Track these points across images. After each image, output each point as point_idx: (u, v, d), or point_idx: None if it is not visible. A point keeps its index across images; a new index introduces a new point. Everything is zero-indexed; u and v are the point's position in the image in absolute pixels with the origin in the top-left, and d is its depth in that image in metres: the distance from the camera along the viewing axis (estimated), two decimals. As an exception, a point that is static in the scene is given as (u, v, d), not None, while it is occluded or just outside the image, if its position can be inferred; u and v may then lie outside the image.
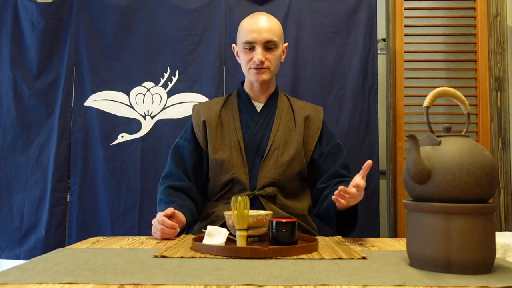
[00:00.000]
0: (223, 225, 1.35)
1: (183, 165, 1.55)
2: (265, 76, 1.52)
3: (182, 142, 1.59)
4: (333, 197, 1.22)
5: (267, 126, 1.55)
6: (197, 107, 1.63)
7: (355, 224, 1.39)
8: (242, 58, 1.56)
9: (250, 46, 1.51)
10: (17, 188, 2.04)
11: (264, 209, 1.44)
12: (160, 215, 1.28)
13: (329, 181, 1.53)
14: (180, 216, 1.36)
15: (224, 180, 1.50)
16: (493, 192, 0.87)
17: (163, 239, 1.27)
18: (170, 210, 1.29)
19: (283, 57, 1.61)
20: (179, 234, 1.36)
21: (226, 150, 1.51)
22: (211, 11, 2.07)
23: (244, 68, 1.57)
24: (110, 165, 2.02)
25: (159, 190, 1.53)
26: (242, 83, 1.64)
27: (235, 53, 1.64)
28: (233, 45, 1.65)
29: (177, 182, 1.51)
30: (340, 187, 1.21)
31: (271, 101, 1.59)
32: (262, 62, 1.49)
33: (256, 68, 1.51)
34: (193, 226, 1.55)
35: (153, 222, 1.31)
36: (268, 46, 1.51)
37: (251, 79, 1.56)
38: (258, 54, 1.49)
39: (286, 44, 1.63)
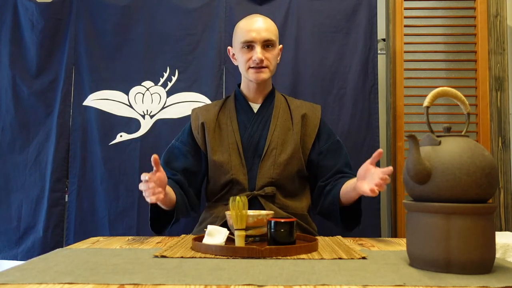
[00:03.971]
0: (223, 225, 1.35)
1: (174, 165, 1.55)
2: (265, 75, 1.54)
3: (177, 144, 1.59)
4: (374, 188, 1.11)
5: (264, 127, 1.56)
6: (195, 110, 1.65)
7: (360, 217, 1.41)
8: (240, 58, 1.56)
9: (249, 45, 1.52)
10: (15, 188, 2.04)
11: (263, 209, 1.44)
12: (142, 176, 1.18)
13: (330, 177, 1.53)
14: (170, 190, 1.34)
15: (223, 181, 1.51)
16: (493, 192, 0.87)
17: (157, 199, 1.18)
18: (152, 172, 1.19)
19: (278, 58, 1.62)
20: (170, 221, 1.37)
21: (225, 152, 1.52)
22: (211, 11, 2.07)
23: (242, 69, 1.57)
24: (109, 165, 2.01)
25: None
26: (239, 85, 1.65)
27: (230, 56, 1.65)
28: (229, 47, 1.65)
29: (170, 176, 1.48)
30: (380, 176, 1.11)
31: (268, 101, 1.60)
32: (261, 61, 1.51)
33: (255, 67, 1.52)
34: (184, 213, 1.50)
35: (140, 187, 1.20)
36: (267, 45, 1.53)
37: (250, 79, 1.56)
38: (258, 52, 1.50)
39: (281, 46, 1.65)
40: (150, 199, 1.18)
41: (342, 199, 1.40)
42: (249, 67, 1.53)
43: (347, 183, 1.40)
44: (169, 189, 1.36)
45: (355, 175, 1.54)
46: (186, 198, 1.50)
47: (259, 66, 1.52)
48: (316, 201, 1.58)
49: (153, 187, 1.17)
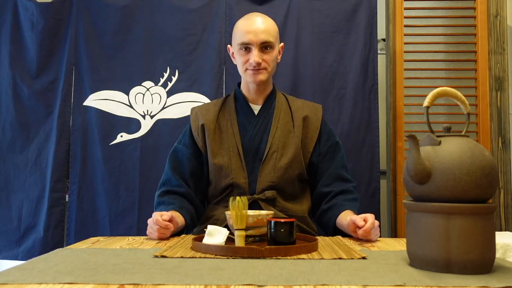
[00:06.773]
0: (224, 226, 1.35)
1: (181, 170, 1.54)
2: (262, 77, 1.50)
3: (180, 147, 1.58)
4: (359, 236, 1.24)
5: (265, 129, 1.53)
6: (195, 110, 1.61)
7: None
8: (238, 60, 1.54)
9: (246, 47, 1.49)
10: (15, 188, 2.04)
11: None
12: (155, 215, 1.26)
13: (329, 182, 1.53)
14: (178, 217, 1.35)
15: (223, 184, 1.49)
16: (493, 192, 0.87)
17: (159, 239, 1.25)
18: (167, 215, 1.27)
19: (279, 57, 1.59)
20: (179, 234, 1.36)
21: (225, 155, 1.50)
22: (211, 11, 2.07)
23: (240, 70, 1.54)
24: (109, 165, 2.01)
25: (156, 195, 1.52)
26: (239, 84, 1.62)
27: (230, 54, 1.61)
28: (228, 46, 1.62)
29: (176, 188, 1.50)
30: (360, 233, 1.22)
31: (268, 103, 1.57)
32: (258, 64, 1.48)
33: (252, 69, 1.49)
34: (193, 229, 1.55)
35: (148, 222, 1.29)
36: (265, 46, 1.49)
37: (248, 80, 1.54)
38: (255, 55, 1.47)
39: (282, 44, 1.61)
40: (153, 236, 1.26)
41: (338, 226, 1.42)
42: (247, 69, 1.51)
43: (342, 217, 1.39)
44: (177, 215, 1.35)
45: (351, 179, 1.56)
46: (194, 212, 1.50)
47: (257, 68, 1.49)
48: (315, 206, 1.57)
49: (164, 230, 1.25)
